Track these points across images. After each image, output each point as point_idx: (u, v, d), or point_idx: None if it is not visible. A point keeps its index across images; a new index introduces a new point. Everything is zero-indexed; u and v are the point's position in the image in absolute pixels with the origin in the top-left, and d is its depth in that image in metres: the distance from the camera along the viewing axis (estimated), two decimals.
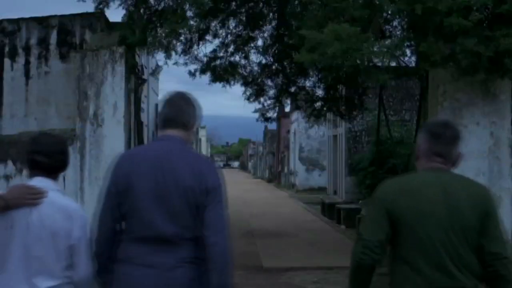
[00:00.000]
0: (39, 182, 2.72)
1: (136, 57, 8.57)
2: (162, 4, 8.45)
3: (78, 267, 2.70)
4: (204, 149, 75.32)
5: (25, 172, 8.05)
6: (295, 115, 29.03)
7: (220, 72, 10.77)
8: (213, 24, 9.97)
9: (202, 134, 73.20)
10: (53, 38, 8.41)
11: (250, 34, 10.79)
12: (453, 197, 2.67)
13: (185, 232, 2.66)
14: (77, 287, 2.74)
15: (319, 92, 11.95)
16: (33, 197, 2.62)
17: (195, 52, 10.30)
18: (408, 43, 6.89)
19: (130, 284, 2.68)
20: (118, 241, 2.77)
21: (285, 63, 11.19)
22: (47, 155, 2.74)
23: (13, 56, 8.46)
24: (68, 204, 2.72)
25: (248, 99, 11.79)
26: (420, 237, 2.65)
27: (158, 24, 8.24)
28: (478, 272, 2.67)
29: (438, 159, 2.76)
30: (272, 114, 12.81)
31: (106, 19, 8.40)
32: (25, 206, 2.61)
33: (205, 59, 10.57)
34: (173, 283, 2.62)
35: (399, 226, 2.66)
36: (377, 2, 6.30)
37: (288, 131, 35.98)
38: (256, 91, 11.77)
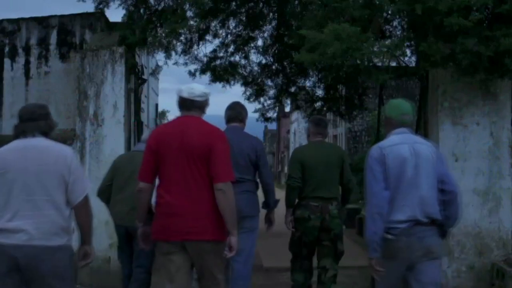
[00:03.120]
0: None
1: (136, 57, 8.57)
2: (162, 4, 8.45)
3: None
4: None
5: None
6: (295, 115, 29.04)
7: (220, 72, 10.76)
8: (213, 24, 9.97)
9: None
10: (53, 38, 8.41)
11: (250, 34, 10.78)
12: (324, 153, 5.77)
13: (244, 176, 5.16)
14: None
15: (319, 92, 11.95)
16: None
17: (195, 52, 10.30)
18: (408, 43, 6.88)
19: None
20: None
21: (285, 63, 11.18)
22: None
23: (13, 56, 8.46)
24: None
25: (248, 99, 11.79)
26: (312, 172, 5.69)
27: (158, 24, 8.24)
28: (338, 190, 5.82)
29: (319, 136, 5.92)
30: (272, 114, 12.82)
31: (106, 19, 8.40)
32: None
33: (205, 59, 10.57)
34: (239, 201, 4.20)
35: (305, 168, 5.70)
36: (377, 2, 6.30)
37: (288, 131, 36.01)
38: (256, 91, 11.75)
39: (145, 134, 6.20)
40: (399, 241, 3.92)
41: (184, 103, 4.09)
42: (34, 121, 3.76)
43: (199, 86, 4.12)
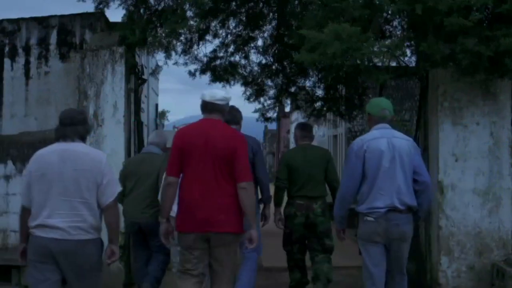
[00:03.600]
0: None
1: (136, 57, 8.55)
2: (162, 4, 8.43)
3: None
4: None
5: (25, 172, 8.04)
6: (295, 115, 29.04)
7: (220, 72, 10.75)
8: (213, 24, 9.95)
9: None
10: (53, 38, 8.40)
11: (250, 34, 10.76)
12: (309, 155, 6.44)
13: None
14: None
15: (319, 92, 11.91)
16: None
17: (195, 52, 10.28)
18: (408, 43, 6.88)
19: None
20: None
21: (285, 63, 11.16)
22: None
23: (13, 56, 8.45)
24: None
25: (248, 99, 11.76)
26: (298, 172, 6.32)
27: (158, 24, 8.22)
28: (324, 190, 6.42)
29: (306, 139, 6.64)
30: (272, 114, 12.77)
31: (106, 19, 8.39)
32: None
33: (205, 59, 10.56)
34: None
35: (291, 169, 6.39)
36: (377, 2, 6.29)
37: (288, 131, 36.00)
38: (256, 91, 11.73)
39: (151, 136, 6.77)
40: (379, 224, 4.60)
41: (206, 106, 4.53)
42: (73, 126, 4.14)
43: (220, 91, 4.58)
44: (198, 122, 4.60)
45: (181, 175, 4.50)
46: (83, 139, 4.20)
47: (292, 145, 34.79)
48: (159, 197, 5.53)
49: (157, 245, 5.86)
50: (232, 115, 5.87)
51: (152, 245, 6.18)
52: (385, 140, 4.59)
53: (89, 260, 4.06)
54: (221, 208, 4.35)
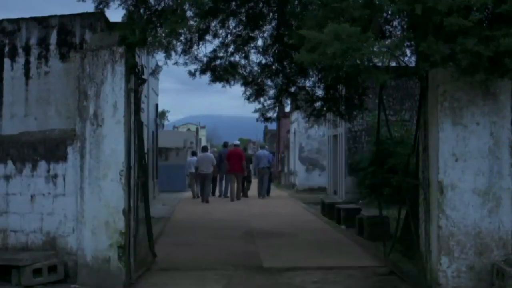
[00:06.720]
0: None
1: (136, 57, 8.55)
2: (162, 4, 8.43)
3: None
4: None
5: (25, 172, 8.04)
6: (295, 115, 29.07)
7: (220, 72, 10.77)
8: (213, 24, 9.96)
9: (202, 134, 73.17)
10: (53, 38, 8.39)
11: (250, 34, 10.77)
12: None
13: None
14: None
15: (319, 92, 11.93)
16: None
17: (195, 52, 10.31)
18: (408, 43, 6.88)
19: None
20: None
21: (285, 63, 11.17)
22: None
23: (13, 56, 8.45)
24: None
25: (248, 99, 11.78)
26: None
27: (158, 24, 8.22)
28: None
29: None
30: (272, 114, 12.79)
31: (106, 19, 8.38)
32: None
33: (205, 59, 10.58)
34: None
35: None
36: (377, 2, 6.29)
37: (288, 131, 36.03)
38: (256, 91, 11.75)
39: (201, 153, 17.13)
40: None
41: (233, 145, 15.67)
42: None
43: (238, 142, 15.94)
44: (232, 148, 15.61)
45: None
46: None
47: (292, 144, 34.91)
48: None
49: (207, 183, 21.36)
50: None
51: (205, 182, 21.38)
52: None
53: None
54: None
